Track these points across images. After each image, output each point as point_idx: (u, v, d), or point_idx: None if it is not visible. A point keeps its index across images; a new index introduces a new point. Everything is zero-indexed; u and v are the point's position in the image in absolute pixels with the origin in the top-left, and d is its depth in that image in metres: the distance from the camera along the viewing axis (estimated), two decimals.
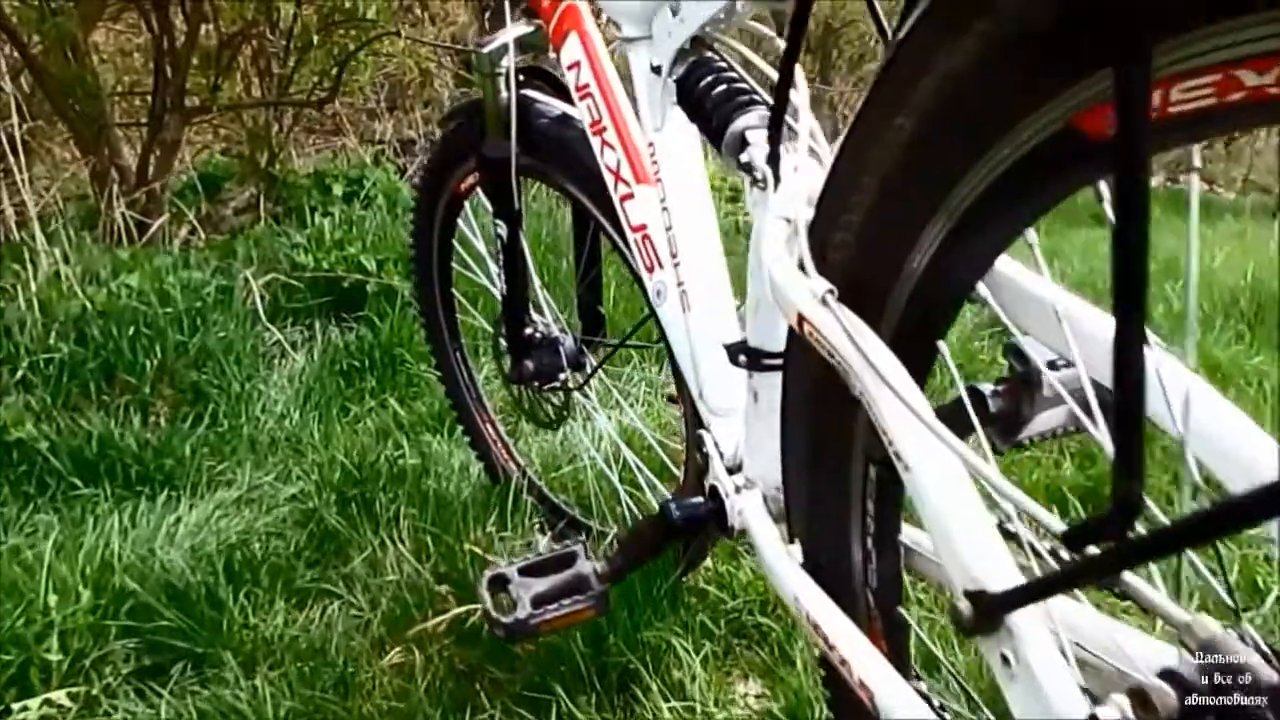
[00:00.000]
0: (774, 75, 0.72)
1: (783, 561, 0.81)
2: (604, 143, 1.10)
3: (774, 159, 0.72)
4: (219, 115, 3.35)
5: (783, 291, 0.65)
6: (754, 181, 0.77)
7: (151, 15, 3.01)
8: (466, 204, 1.59)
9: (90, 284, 2.47)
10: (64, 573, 1.47)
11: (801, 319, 0.63)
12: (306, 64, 3.22)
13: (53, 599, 1.36)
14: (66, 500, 1.87)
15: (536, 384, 1.48)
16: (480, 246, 1.65)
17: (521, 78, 1.33)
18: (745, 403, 0.90)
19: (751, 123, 0.81)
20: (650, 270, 1.06)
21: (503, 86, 1.31)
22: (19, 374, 2.13)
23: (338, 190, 3.43)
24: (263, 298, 2.62)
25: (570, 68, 1.15)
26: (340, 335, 2.57)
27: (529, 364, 1.44)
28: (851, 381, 0.61)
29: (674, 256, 0.98)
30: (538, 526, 1.68)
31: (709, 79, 0.85)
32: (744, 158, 0.79)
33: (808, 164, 0.71)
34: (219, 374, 2.28)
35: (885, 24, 0.66)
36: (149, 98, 3.19)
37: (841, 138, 0.61)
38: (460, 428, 1.84)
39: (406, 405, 2.27)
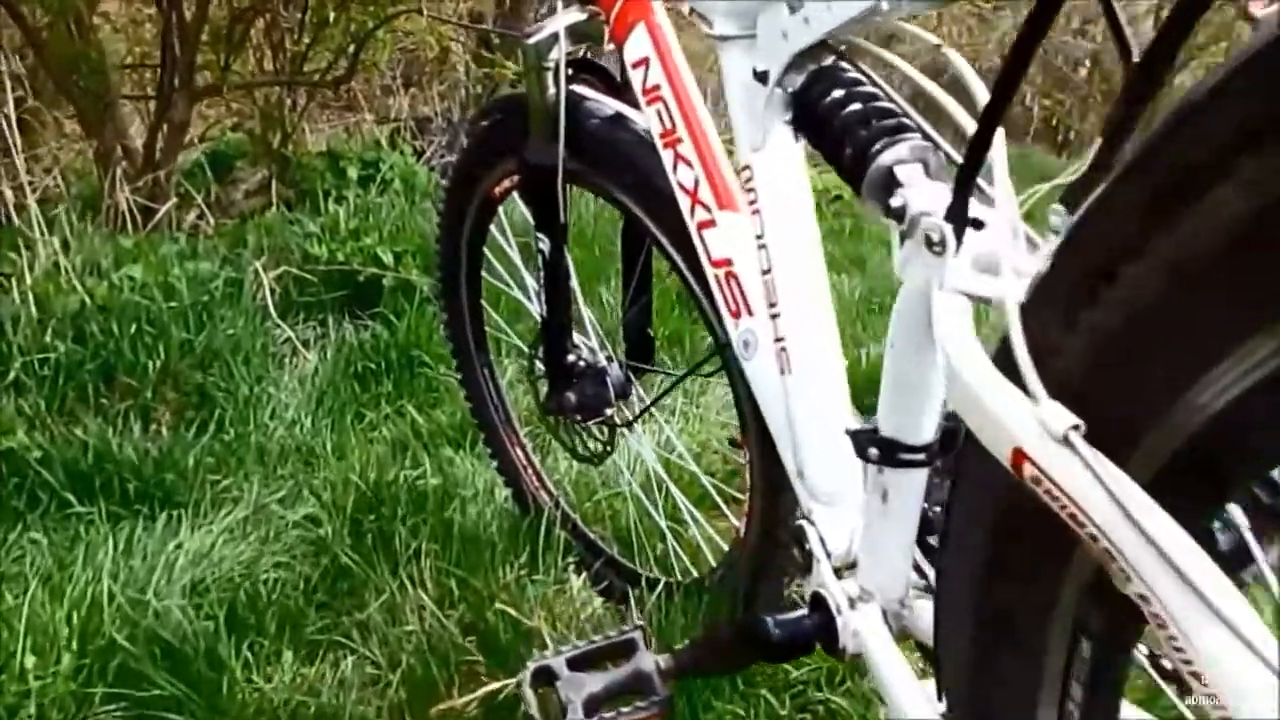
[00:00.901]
0: (938, 97, 0.52)
1: (920, 712, 0.63)
2: (678, 157, 0.91)
3: (958, 214, 0.52)
4: (230, 93, 3.14)
5: (985, 409, 0.45)
6: (908, 233, 0.58)
7: None
8: (501, 209, 1.39)
9: (90, 275, 2.28)
10: (46, 620, 1.29)
11: (1021, 456, 0.44)
12: (322, 40, 3.01)
13: (30, 660, 1.18)
14: (59, 519, 1.69)
15: (579, 418, 1.29)
16: (516, 256, 1.46)
17: (570, 72, 1.13)
18: (865, 498, 0.71)
19: (903, 156, 0.61)
20: (736, 315, 0.87)
21: (550, 82, 1.12)
22: (11, 375, 1.95)
23: (353, 173, 3.24)
24: (273, 291, 2.43)
25: (636, 65, 0.95)
26: (355, 334, 2.38)
27: (571, 396, 1.25)
28: (1085, 538, 0.42)
29: (772, 306, 0.79)
30: (572, 566, 1.49)
31: (839, 94, 0.66)
32: (894, 201, 0.59)
33: (1002, 224, 0.51)
34: (226, 376, 2.10)
35: (1130, 43, 0.46)
36: (157, 72, 2.99)
37: (1096, 195, 0.42)
38: (487, 449, 1.65)
39: (425, 413, 2.09)
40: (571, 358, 1.26)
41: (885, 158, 0.61)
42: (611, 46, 1.05)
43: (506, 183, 1.31)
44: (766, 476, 1.11)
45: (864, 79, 0.66)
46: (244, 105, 3.58)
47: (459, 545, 1.50)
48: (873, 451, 0.66)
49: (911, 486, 0.66)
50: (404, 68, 4.58)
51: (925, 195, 0.57)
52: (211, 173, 3.18)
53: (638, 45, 0.95)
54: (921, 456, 0.64)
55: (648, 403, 1.28)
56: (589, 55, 1.20)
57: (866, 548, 0.73)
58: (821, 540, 0.78)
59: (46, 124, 2.97)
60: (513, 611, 1.28)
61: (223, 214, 3.11)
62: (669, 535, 1.45)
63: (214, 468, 1.84)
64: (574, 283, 1.23)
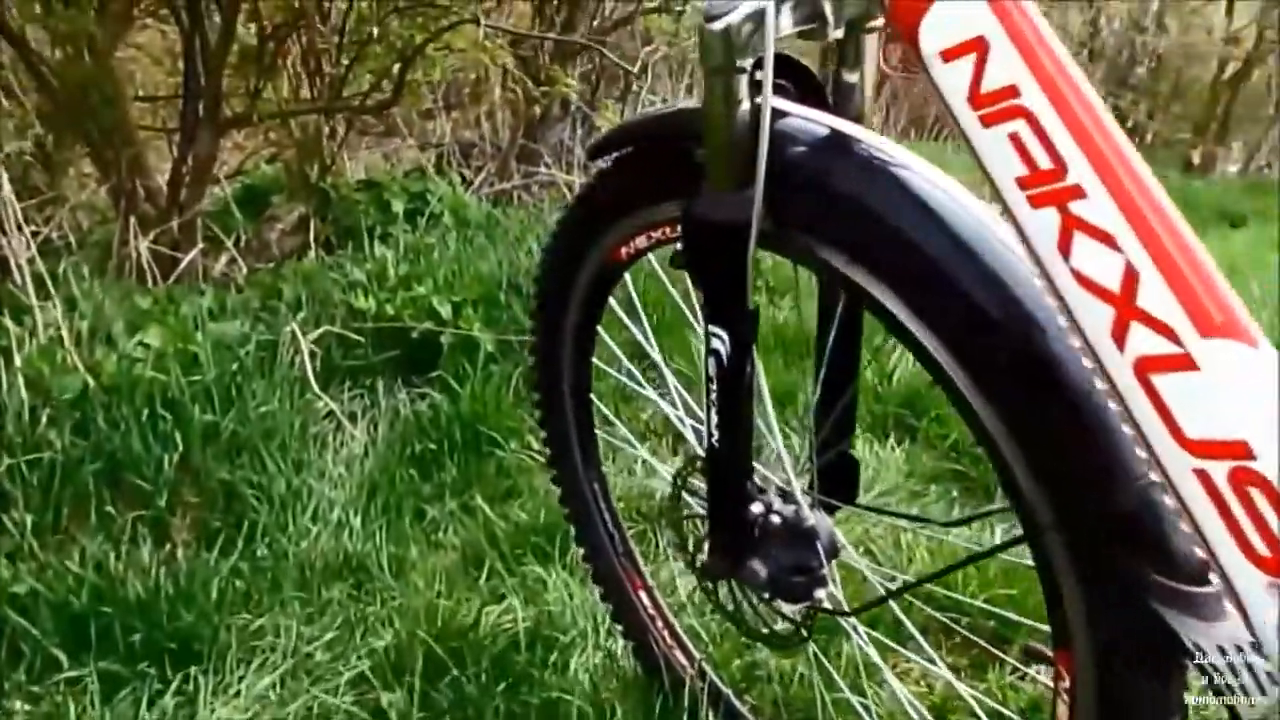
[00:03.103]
0: None
1: None
2: (1071, 224, 0.45)
3: None
4: (262, 123, 2.73)
5: None
6: None
7: (181, 6, 2.39)
8: (627, 275, 0.94)
9: (99, 344, 1.85)
10: None
11: None
12: (363, 61, 2.58)
13: None
14: (44, 682, 1.26)
15: (767, 595, 0.83)
16: (649, 340, 1.00)
17: (758, 75, 0.68)
18: None
19: None
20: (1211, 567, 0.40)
21: (744, 90, 0.66)
22: None
23: (398, 207, 2.81)
24: (313, 355, 1.99)
25: (952, 55, 0.50)
26: (410, 404, 1.94)
27: (758, 566, 0.80)
28: None
29: None
30: None
31: None
32: None
33: None
34: (258, 467, 1.66)
35: None
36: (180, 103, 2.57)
37: None
38: (596, 585, 1.19)
39: (500, 509, 1.64)
40: (757, 508, 0.80)
41: None
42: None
43: (641, 240, 0.86)
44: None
45: None
46: (279, 134, 3.16)
47: None
48: None
49: None
50: (444, 90, 4.16)
51: None
52: (243, 212, 2.76)
53: (958, 22, 0.49)
54: None
55: (890, 587, 0.82)
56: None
57: None
58: None
59: (57, 164, 2.56)
60: None
61: (256, 257, 2.69)
62: None
63: (243, 600, 1.41)
64: (765, 400, 0.78)
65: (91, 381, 1.68)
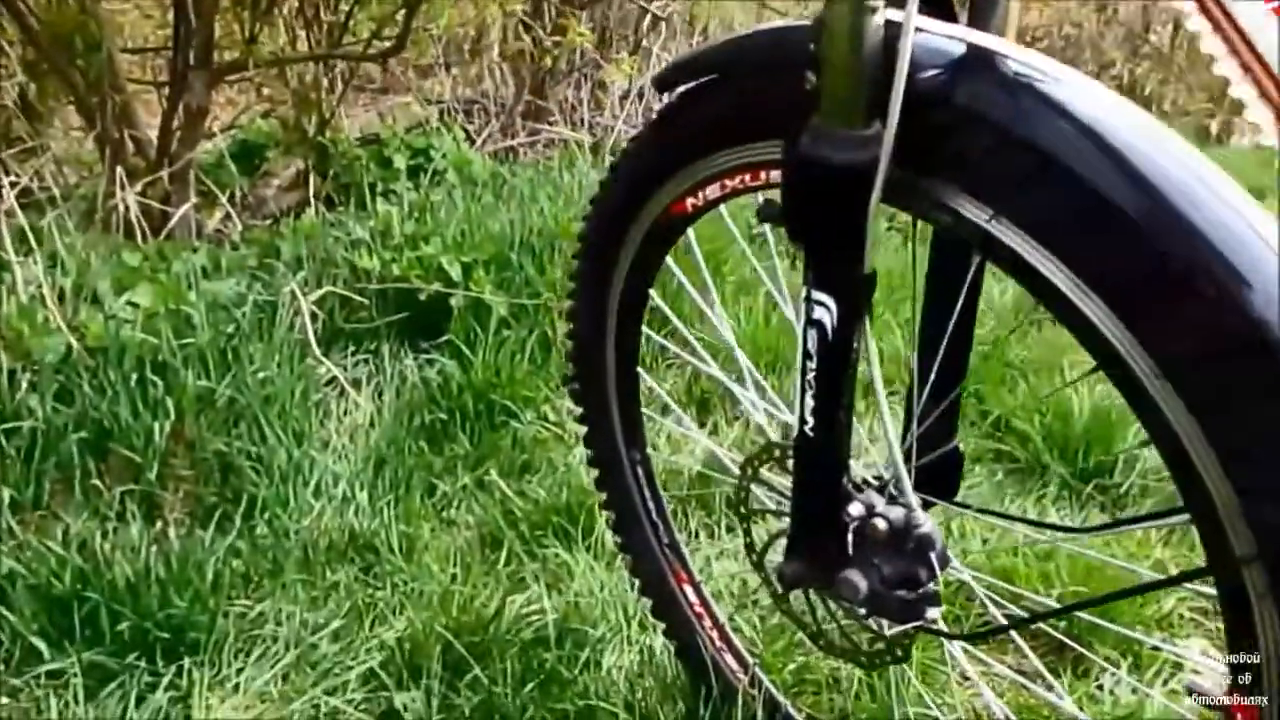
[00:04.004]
0: None
1: None
2: None
3: None
4: (257, 73, 2.55)
5: None
6: None
7: None
8: (691, 230, 0.80)
9: (85, 303, 1.70)
10: None
11: None
12: (364, 5, 2.41)
13: None
14: (23, 675, 1.14)
15: (864, 612, 0.70)
16: (716, 310, 0.87)
17: None
18: None
19: None
20: None
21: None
22: None
23: (400, 163, 2.66)
24: (314, 317, 1.85)
25: None
26: (418, 371, 1.80)
27: (855, 577, 0.67)
28: None
29: None
30: None
31: None
32: None
33: None
34: (256, 438, 1.53)
35: None
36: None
37: None
38: (633, 577, 1.07)
39: (516, 485, 1.51)
40: (856, 509, 0.67)
41: None
42: None
43: (713, 189, 0.72)
44: None
45: None
46: (275, 88, 2.98)
47: None
48: None
49: None
50: (444, 46, 3.96)
51: None
52: (238, 167, 2.59)
53: None
54: None
55: (1015, 611, 0.69)
56: None
57: None
58: None
59: (40, 114, 2.39)
60: None
61: (252, 214, 2.53)
62: None
63: (241, 584, 1.28)
64: (877, 381, 0.64)
65: (75, 343, 1.54)
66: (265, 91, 3.13)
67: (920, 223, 0.61)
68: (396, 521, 1.42)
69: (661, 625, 1.02)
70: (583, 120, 3.30)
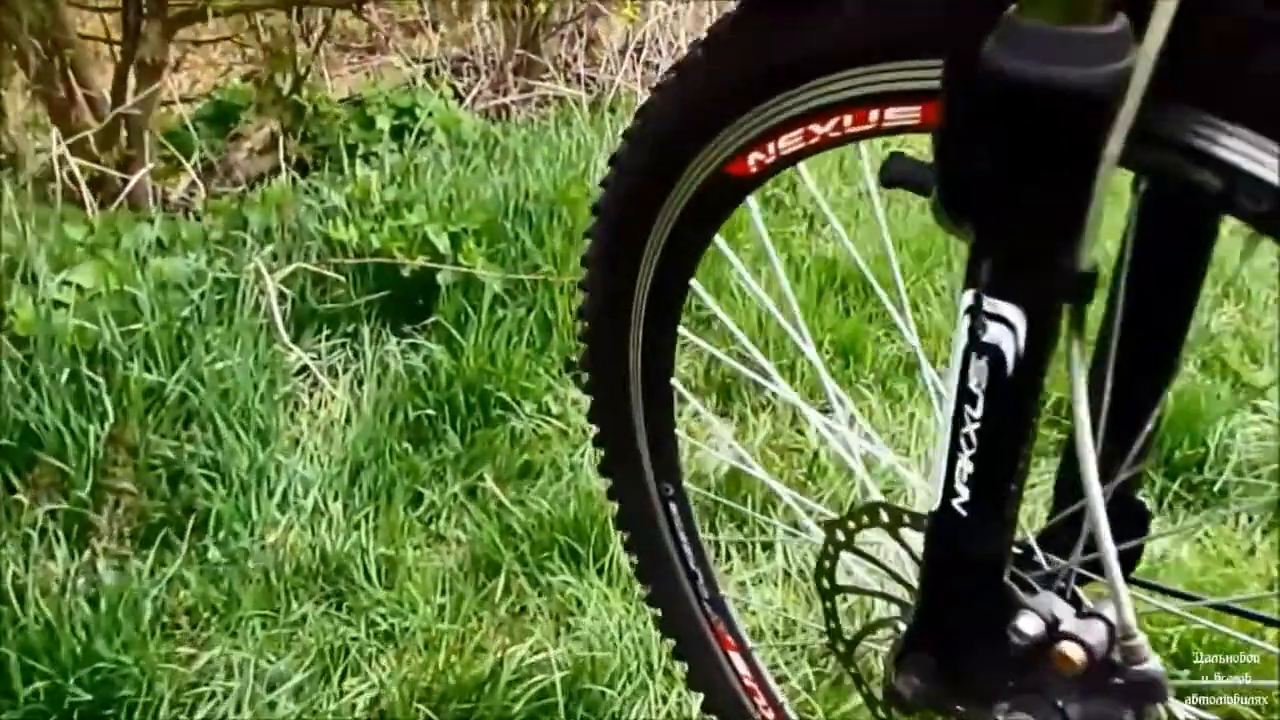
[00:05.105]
0: None
1: None
2: None
3: None
4: (224, 24, 2.28)
5: None
6: None
7: None
8: (752, 200, 0.56)
9: (21, 284, 1.46)
10: None
11: None
12: None
13: None
14: None
15: None
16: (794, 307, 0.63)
17: None
18: None
19: None
20: None
21: None
22: None
23: (383, 123, 2.40)
24: (282, 296, 1.61)
25: None
26: (400, 357, 1.56)
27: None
28: None
29: None
30: None
31: None
32: None
33: None
34: (212, 440, 1.30)
35: None
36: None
37: None
38: (667, 637, 0.84)
39: (514, 491, 1.29)
40: (1032, 625, 0.43)
41: None
42: None
43: (796, 137, 0.48)
44: None
45: None
46: (252, 47, 2.70)
47: None
48: None
49: None
50: (431, 4, 3.68)
51: None
52: (214, 130, 2.33)
53: None
54: None
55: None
56: None
57: None
58: None
59: None
60: None
61: (220, 181, 2.27)
62: None
63: (186, 621, 1.05)
64: (1083, 433, 0.41)
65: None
66: (249, 51, 2.85)
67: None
68: (375, 539, 1.19)
69: (704, 700, 0.80)
70: (578, 76, 3.05)
